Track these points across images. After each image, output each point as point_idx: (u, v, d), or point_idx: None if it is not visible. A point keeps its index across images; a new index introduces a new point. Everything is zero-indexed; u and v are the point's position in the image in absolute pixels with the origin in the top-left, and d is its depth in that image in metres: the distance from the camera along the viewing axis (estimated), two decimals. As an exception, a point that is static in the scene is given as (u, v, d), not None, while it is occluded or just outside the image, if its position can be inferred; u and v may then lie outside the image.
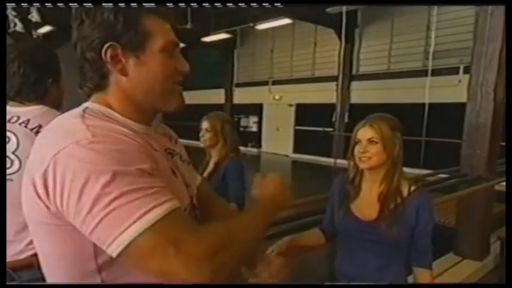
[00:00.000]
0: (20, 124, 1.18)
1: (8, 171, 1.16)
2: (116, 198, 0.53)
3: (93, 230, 0.54)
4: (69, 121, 0.64)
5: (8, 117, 1.19)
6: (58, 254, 0.63)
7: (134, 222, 0.52)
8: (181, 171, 0.76)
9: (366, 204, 1.35)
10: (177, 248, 0.53)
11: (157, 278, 0.56)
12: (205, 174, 1.99)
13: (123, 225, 0.52)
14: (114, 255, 0.54)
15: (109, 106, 0.68)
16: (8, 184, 1.14)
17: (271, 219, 0.75)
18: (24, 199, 0.63)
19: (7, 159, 1.16)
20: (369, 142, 1.30)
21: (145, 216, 0.53)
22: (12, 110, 1.22)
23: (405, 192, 1.33)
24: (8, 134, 1.17)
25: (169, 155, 0.76)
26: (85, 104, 0.69)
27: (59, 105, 1.31)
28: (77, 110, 0.66)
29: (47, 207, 0.58)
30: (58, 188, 0.55)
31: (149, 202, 0.54)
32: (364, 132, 1.31)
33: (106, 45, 0.64)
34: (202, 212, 0.83)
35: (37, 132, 1.17)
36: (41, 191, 0.57)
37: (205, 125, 1.97)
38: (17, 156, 1.17)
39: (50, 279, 0.67)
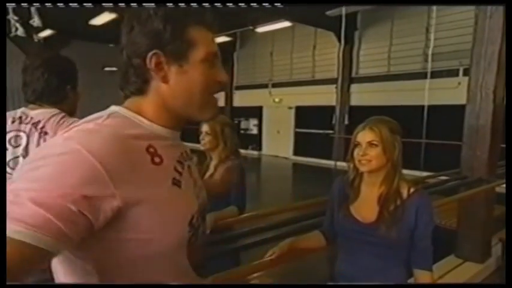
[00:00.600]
0: (32, 124, 1.32)
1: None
2: (20, 189, 0.52)
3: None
4: (85, 127, 0.63)
5: (23, 118, 1.33)
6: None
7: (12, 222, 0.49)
8: (194, 179, 0.76)
9: (366, 207, 1.35)
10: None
11: None
12: (205, 177, 2.00)
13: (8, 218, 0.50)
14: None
15: (140, 111, 0.69)
16: None
17: None
18: None
19: (18, 160, 1.27)
20: (368, 145, 1.30)
21: (9, 225, 0.49)
22: (29, 112, 1.35)
23: (405, 194, 1.33)
24: (20, 133, 1.30)
25: (181, 165, 0.74)
26: (116, 108, 0.70)
27: (74, 111, 1.45)
28: (102, 113, 0.67)
29: None
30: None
31: (23, 215, 0.50)
32: (364, 135, 1.32)
33: (151, 53, 0.66)
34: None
35: (41, 133, 1.30)
36: None
37: (205, 128, 1.97)
38: (24, 156, 1.27)
39: (57, 280, 0.67)
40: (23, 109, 1.37)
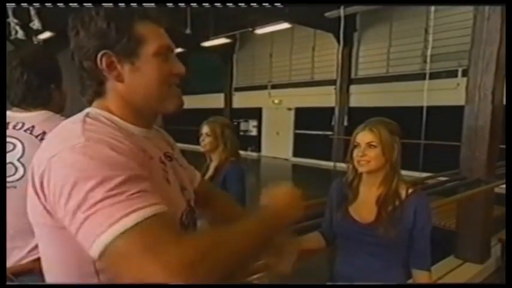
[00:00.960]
0: (25, 131, 1.19)
1: (12, 178, 1.15)
2: (99, 201, 0.53)
3: (77, 231, 0.54)
4: (69, 126, 0.65)
5: (12, 124, 1.20)
6: (59, 256, 0.64)
7: (112, 224, 0.52)
8: (178, 176, 0.77)
9: (364, 207, 1.35)
10: (152, 255, 0.51)
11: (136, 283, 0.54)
12: (205, 178, 2.00)
13: (102, 227, 0.52)
14: (95, 257, 0.53)
15: (109, 111, 0.70)
16: (12, 191, 1.13)
17: (275, 230, 0.72)
18: (28, 201, 0.65)
19: (12, 166, 1.16)
20: (368, 146, 1.31)
21: (124, 220, 0.52)
22: (16, 116, 1.22)
23: (403, 194, 1.34)
24: (13, 140, 1.17)
25: (168, 158, 0.76)
26: (87, 109, 0.70)
27: (62, 110, 1.33)
28: (80, 115, 0.68)
29: (45, 208, 0.60)
30: (51, 190, 0.57)
31: (130, 205, 0.53)
32: (363, 136, 1.32)
33: (100, 54, 0.66)
34: (203, 210, 0.83)
35: (42, 139, 1.16)
36: (39, 192, 0.60)
37: (205, 129, 1.98)
38: (21, 163, 1.16)
39: (49, 282, 0.68)
40: (8, 112, 1.23)
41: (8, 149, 1.17)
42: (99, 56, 0.66)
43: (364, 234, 1.32)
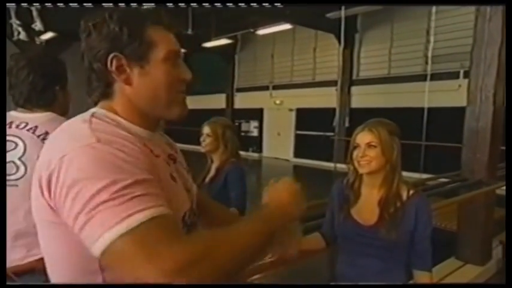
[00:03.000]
0: (27, 130, 1.21)
1: (13, 177, 1.16)
2: (104, 201, 0.54)
3: (81, 229, 0.55)
4: (77, 125, 0.66)
5: (16, 123, 1.22)
6: (62, 253, 0.65)
7: (114, 225, 0.53)
8: (183, 177, 0.78)
9: (366, 209, 1.36)
10: (150, 257, 0.52)
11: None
12: (207, 180, 2.00)
13: (104, 227, 0.53)
14: (97, 255, 0.55)
15: (115, 112, 0.71)
16: (13, 189, 1.14)
17: (277, 227, 0.71)
18: (32, 198, 0.66)
19: (13, 165, 1.17)
20: (367, 146, 1.31)
21: (126, 220, 0.53)
22: (20, 116, 1.25)
23: (404, 196, 1.34)
24: (15, 139, 1.19)
25: (172, 160, 0.77)
26: (93, 109, 0.71)
27: (66, 112, 1.35)
28: (85, 115, 0.69)
29: (50, 206, 0.61)
30: (58, 189, 0.58)
31: (133, 206, 0.55)
32: (363, 137, 1.33)
33: (111, 56, 0.67)
34: (201, 218, 0.84)
35: (44, 139, 1.18)
36: (45, 190, 0.61)
37: (206, 130, 1.98)
38: (23, 162, 1.17)
39: (54, 281, 0.68)
40: (12, 112, 1.27)
41: (9, 148, 1.18)
42: (109, 58, 0.67)
43: (365, 237, 1.33)
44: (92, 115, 0.68)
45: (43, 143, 1.19)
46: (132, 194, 0.55)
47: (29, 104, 1.26)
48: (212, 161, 2.04)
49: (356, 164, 1.34)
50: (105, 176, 0.56)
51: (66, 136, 0.65)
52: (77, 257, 0.62)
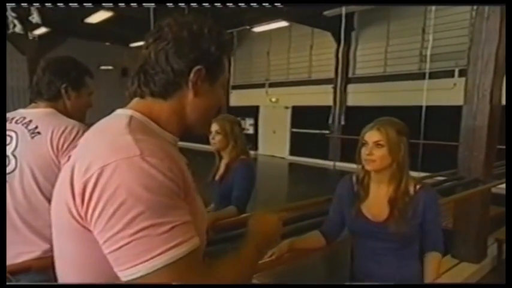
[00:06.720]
0: (22, 124, 1.24)
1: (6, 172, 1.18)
2: (144, 228, 0.54)
3: (113, 250, 0.56)
4: (116, 130, 0.64)
5: (16, 118, 1.27)
6: (81, 258, 0.63)
7: (150, 259, 0.54)
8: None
9: (376, 206, 1.40)
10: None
11: None
12: (217, 177, 1.97)
13: (140, 259, 0.54)
14: (123, 279, 0.56)
15: (150, 115, 0.69)
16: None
17: (263, 249, 0.83)
18: (56, 200, 0.65)
19: (7, 159, 1.20)
20: (375, 145, 1.35)
21: (164, 254, 0.55)
22: (24, 111, 1.31)
23: (412, 191, 1.39)
24: (11, 133, 1.23)
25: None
26: (128, 112, 0.69)
27: (78, 117, 1.35)
28: (123, 119, 0.67)
29: (78, 213, 0.59)
30: (94, 200, 0.57)
31: (172, 239, 0.56)
32: (371, 135, 1.37)
33: (198, 67, 0.69)
34: None
35: (33, 133, 1.22)
36: (77, 196, 0.59)
37: (215, 127, 1.95)
38: (14, 156, 1.20)
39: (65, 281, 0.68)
40: (20, 109, 1.32)
41: (7, 142, 1.22)
42: (196, 68, 0.69)
43: (377, 232, 1.38)
44: (130, 120, 0.66)
45: (32, 137, 1.21)
46: (173, 223, 0.56)
47: (36, 98, 1.32)
48: (221, 159, 2.01)
49: (363, 161, 1.38)
50: (150, 198, 0.55)
51: (105, 143, 0.62)
52: (97, 263, 0.60)
